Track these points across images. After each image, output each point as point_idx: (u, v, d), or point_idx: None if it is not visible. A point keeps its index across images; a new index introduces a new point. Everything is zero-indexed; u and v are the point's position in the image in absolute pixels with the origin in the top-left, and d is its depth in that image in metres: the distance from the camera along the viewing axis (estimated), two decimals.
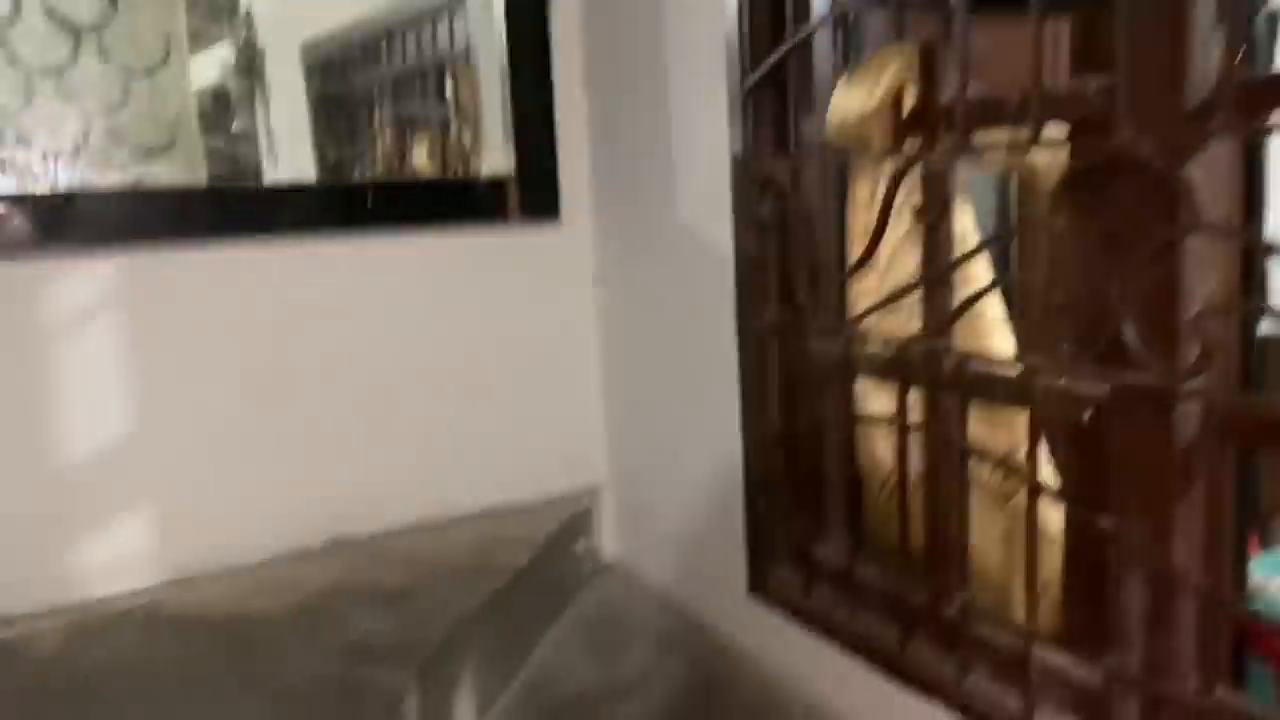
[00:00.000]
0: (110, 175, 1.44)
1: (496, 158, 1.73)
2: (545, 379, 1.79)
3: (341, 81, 1.78)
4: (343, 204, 1.58)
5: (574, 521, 1.73)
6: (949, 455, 1.12)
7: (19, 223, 1.37)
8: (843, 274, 1.27)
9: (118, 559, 1.49)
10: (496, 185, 1.68)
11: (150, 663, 1.30)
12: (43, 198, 1.38)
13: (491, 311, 1.73)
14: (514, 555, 1.56)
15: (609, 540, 1.81)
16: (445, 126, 1.92)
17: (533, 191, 1.69)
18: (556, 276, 1.77)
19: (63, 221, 1.39)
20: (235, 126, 1.59)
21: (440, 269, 1.68)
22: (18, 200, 1.37)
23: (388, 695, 1.17)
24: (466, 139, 1.88)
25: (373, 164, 1.84)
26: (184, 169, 1.50)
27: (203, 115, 1.54)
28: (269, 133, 1.61)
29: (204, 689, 1.21)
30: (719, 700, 1.39)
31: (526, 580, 1.52)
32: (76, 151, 1.41)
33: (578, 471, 1.80)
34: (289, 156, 1.62)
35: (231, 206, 1.51)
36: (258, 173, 1.57)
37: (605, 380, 1.81)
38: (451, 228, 1.67)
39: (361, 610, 1.37)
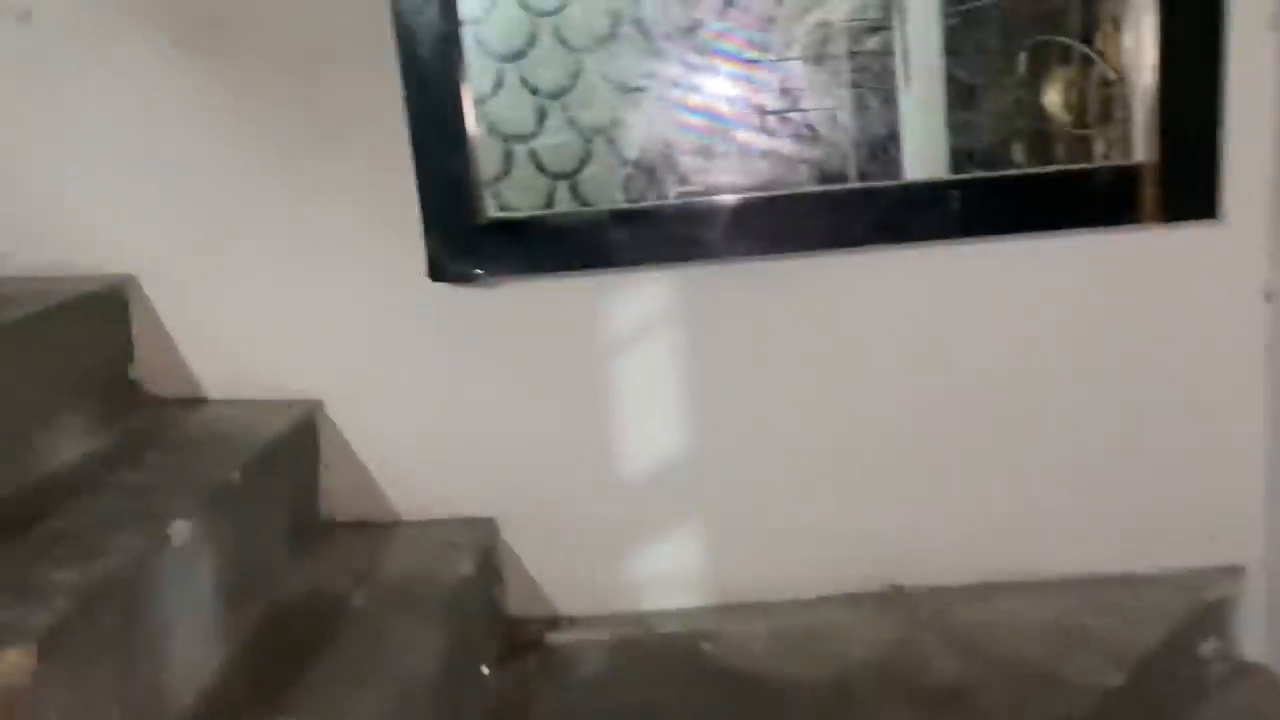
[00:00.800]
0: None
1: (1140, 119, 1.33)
2: (1183, 421, 1.37)
3: None
4: (930, 203, 1.32)
5: (1205, 612, 1.33)
6: None
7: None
8: None
9: (667, 575, 1.45)
10: (1131, 175, 1.28)
11: (679, 710, 1.24)
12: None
13: (1117, 332, 1.36)
14: (1109, 656, 1.22)
15: (1251, 641, 1.37)
16: (1086, 62, 1.55)
17: (1182, 184, 1.27)
18: (1210, 290, 1.33)
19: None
20: (873, 42, 1.40)
21: (1052, 279, 1.35)
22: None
23: None
24: (1111, 88, 1.50)
25: (1000, 95, 1.56)
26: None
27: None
28: (905, 52, 1.40)
29: None
30: None
31: (1123, 694, 1.19)
32: None
33: (1216, 545, 1.37)
34: (921, 82, 1.40)
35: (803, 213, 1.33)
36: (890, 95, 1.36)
37: (1271, 429, 1.34)
38: (1069, 230, 1.31)
39: (900, 709, 1.16)
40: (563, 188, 1.35)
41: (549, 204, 1.35)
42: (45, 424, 1.20)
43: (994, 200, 1.31)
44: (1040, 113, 1.62)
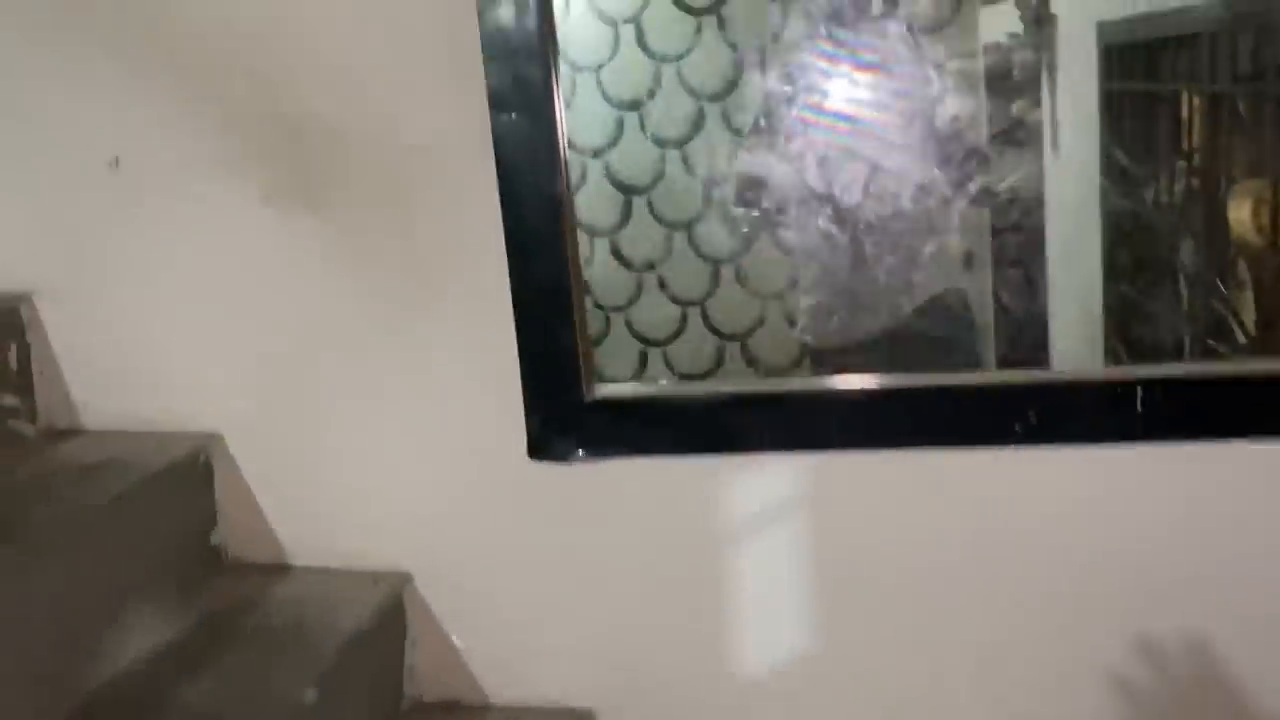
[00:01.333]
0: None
1: None
2: None
3: (1145, 74, 1.35)
4: (1095, 402, 1.12)
5: None
6: None
7: None
8: None
9: None
10: None
11: None
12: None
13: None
14: None
15: None
16: None
17: None
18: None
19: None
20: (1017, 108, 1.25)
21: (1217, 494, 1.16)
22: None
23: None
24: None
25: (1169, 190, 1.39)
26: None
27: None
28: (1054, 123, 1.24)
29: None
30: None
31: None
32: None
33: None
34: (1071, 164, 1.23)
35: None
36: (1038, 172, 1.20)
37: None
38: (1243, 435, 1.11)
39: None
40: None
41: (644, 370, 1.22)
42: (116, 618, 1.11)
43: (1182, 402, 1.10)
44: (1224, 235, 1.42)
